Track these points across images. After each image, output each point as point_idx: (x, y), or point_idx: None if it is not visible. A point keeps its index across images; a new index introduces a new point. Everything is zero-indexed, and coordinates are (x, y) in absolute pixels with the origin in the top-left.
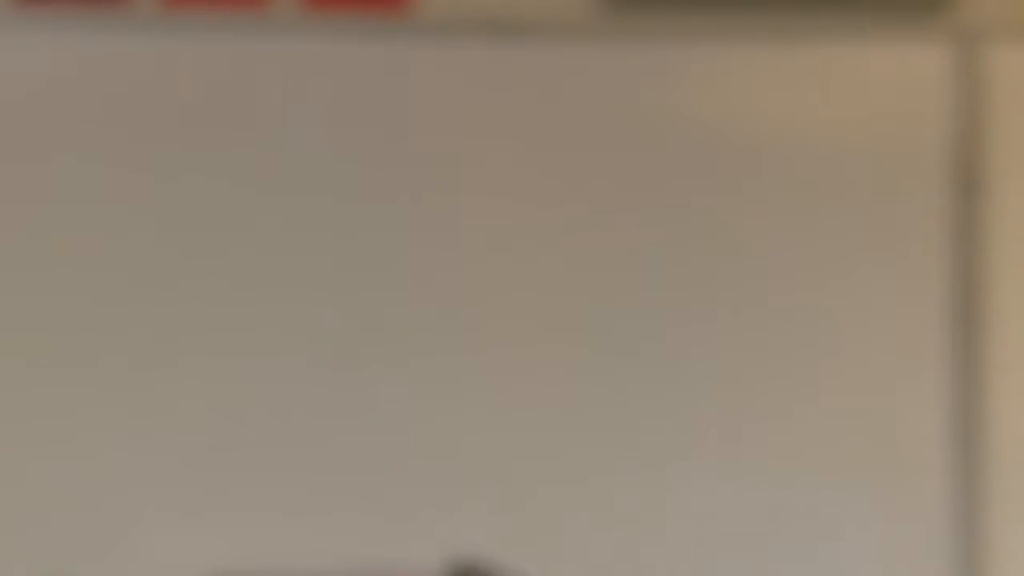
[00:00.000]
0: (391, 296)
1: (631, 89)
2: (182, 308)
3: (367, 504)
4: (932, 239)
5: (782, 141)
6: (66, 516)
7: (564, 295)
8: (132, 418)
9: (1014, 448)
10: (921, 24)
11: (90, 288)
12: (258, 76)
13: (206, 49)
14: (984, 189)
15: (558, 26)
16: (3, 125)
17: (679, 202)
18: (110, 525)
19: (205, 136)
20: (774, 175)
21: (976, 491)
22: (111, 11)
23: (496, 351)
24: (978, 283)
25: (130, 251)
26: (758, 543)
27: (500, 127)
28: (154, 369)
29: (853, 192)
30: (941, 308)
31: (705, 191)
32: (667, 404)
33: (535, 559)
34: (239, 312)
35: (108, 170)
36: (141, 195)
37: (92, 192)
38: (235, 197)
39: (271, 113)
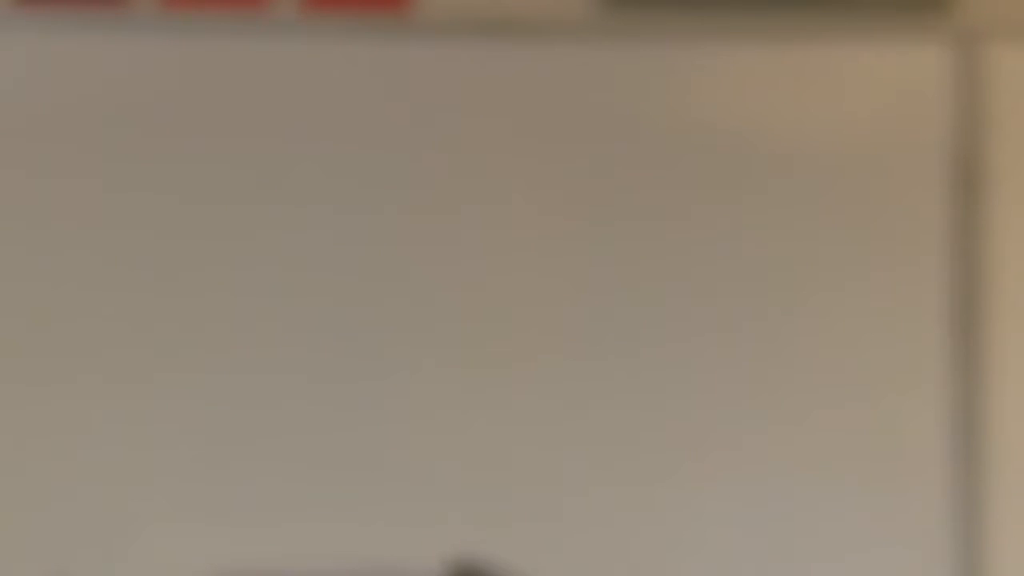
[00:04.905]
0: (391, 296)
1: (631, 89)
2: (181, 308)
3: (367, 504)
4: (932, 239)
5: (782, 141)
6: (66, 516)
7: (565, 297)
8: (132, 418)
9: (1014, 449)
10: (921, 24)
11: (90, 287)
12: (258, 76)
13: (206, 49)
14: (984, 189)
15: (558, 26)
16: (2, 125)
17: (679, 203)
18: (110, 525)
19: (205, 135)
20: (773, 175)
21: (976, 492)
22: (111, 11)
23: (497, 351)
24: (978, 283)
25: (129, 250)
26: (757, 545)
27: (500, 127)
28: (154, 369)
29: (852, 192)
30: (941, 308)
31: (704, 191)
32: (668, 406)
33: (535, 559)
34: (239, 312)
35: (108, 170)
36: (141, 194)
37: (92, 191)
38: (234, 196)
39: (271, 113)
